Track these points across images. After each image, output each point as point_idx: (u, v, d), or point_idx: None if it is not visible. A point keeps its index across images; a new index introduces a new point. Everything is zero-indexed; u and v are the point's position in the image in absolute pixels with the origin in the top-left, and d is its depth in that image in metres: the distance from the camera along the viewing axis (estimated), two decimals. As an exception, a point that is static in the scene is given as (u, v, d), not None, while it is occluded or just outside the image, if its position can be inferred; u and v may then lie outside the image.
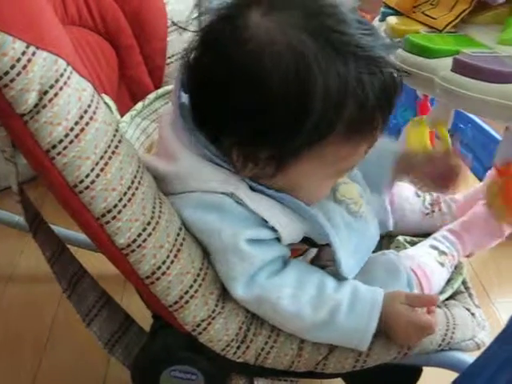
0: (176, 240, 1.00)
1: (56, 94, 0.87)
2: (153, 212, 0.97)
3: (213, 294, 1.04)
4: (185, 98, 1.03)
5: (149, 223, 0.97)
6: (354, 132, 0.94)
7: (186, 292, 1.01)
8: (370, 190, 1.19)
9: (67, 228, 1.43)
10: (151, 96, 1.29)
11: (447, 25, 1.15)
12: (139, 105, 1.27)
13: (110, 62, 1.38)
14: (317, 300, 1.03)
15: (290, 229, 1.02)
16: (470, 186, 1.49)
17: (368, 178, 1.05)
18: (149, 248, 0.97)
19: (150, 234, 0.97)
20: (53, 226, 1.16)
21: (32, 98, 0.86)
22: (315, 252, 1.21)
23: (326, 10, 0.93)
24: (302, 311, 1.03)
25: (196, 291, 1.02)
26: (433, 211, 1.40)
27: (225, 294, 1.05)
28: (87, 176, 0.91)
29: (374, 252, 1.21)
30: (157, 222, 0.98)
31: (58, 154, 0.89)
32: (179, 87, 1.03)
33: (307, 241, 1.07)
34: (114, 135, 0.95)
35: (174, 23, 1.41)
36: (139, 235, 0.96)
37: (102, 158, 0.92)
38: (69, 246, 1.19)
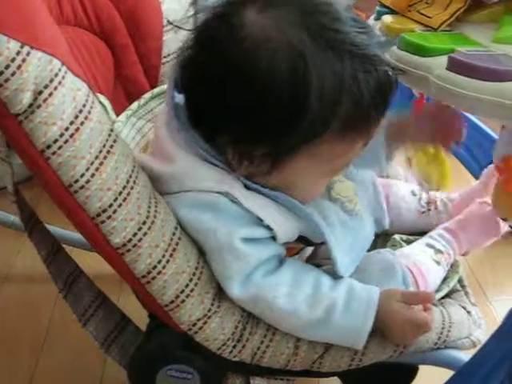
0: (171, 239, 1.00)
1: (51, 94, 0.87)
2: (148, 211, 0.97)
3: (208, 293, 1.04)
4: (179, 98, 1.03)
5: (144, 223, 0.97)
6: (350, 130, 0.94)
7: (182, 291, 1.01)
8: (370, 167, 1.20)
9: (62, 228, 1.43)
10: (147, 96, 1.30)
11: (442, 23, 1.15)
12: (134, 104, 1.27)
13: (105, 61, 1.38)
14: (313, 298, 1.04)
15: (286, 227, 1.02)
16: (466, 185, 1.49)
17: (364, 154, 1.04)
18: (144, 247, 0.97)
19: (145, 234, 0.97)
20: (48, 226, 1.16)
21: (26, 98, 0.86)
22: (311, 251, 1.21)
23: (321, 8, 0.93)
24: (298, 310, 1.03)
25: (192, 290, 1.02)
26: (429, 210, 1.40)
27: (220, 293, 1.05)
28: (82, 176, 0.91)
29: (370, 251, 1.21)
30: (152, 222, 0.98)
31: (53, 153, 0.89)
32: (172, 87, 1.03)
33: (302, 239, 1.07)
34: (109, 135, 0.95)
35: (169, 22, 1.41)
36: (134, 235, 0.96)
37: (97, 157, 0.92)
38: (64, 246, 1.19)
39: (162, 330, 1.12)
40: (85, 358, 1.60)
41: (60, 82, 0.89)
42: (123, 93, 1.42)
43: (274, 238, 1.03)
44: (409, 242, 1.32)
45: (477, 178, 1.59)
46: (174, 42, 1.41)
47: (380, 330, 1.08)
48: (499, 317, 1.64)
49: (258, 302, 1.03)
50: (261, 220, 1.00)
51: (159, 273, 0.99)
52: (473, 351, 1.08)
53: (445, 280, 1.27)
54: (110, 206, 0.94)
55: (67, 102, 0.89)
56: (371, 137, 0.99)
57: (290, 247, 1.10)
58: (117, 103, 1.27)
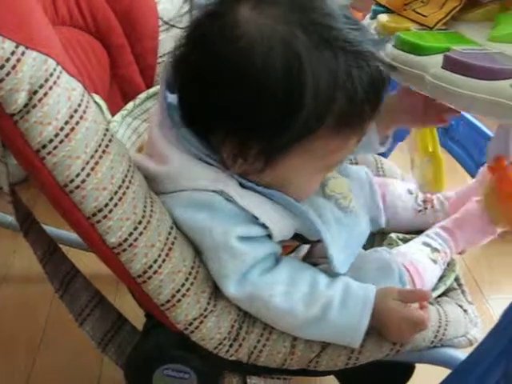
0: (167, 239, 1.00)
1: (46, 94, 0.87)
2: (144, 211, 0.97)
3: (205, 293, 1.04)
4: (171, 98, 1.03)
5: (140, 222, 0.97)
6: (344, 126, 0.94)
7: (178, 291, 1.01)
8: (364, 151, 1.20)
9: (58, 228, 1.43)
10: (142, 96, 1.29)
11: (438, 22, 1.14)
12: (130, 104, 1.27)
13: (101, 61, 1.38)
14: (309, 297, 1.04)
15: (281, 225, 1.02)
16: (462, 183, 1.49)
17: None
18: (140, 247, 0.97)
19: (141, 233, 0.97)
20: (44, 226, 1.16)
21: (22, 97, 0.85)
22: (307, 249, 1.21)
23: (313, 5, 0.93)
24: (295, 308, 1.03)
25: (188, 290, 1.02)
26: (425, 208, 1.40)
27: (217, 293, 1.05)
28: (78, 175, 0.91)
29: (366, 249, 1.21)
30: (148, 221, 0.98)
31: (49, 153, 0.89)
32: (165, 87, 1.03)
33: (298, 237, 1.07)
34: (105, 134, 0.95)
35: (164, 22, 1.41)
36: (130, 234, 0.96)
37: (92, 157, 0.92)
38: (61, 246, 1.19)
39: (159, 330, 1.12)
40: (82, 358, 1.60)
41: (55, 82, 0.89)
42: (119, 93, 1.42)
43: (269, 236, 1.03)
44: (405, 241, 1.33)
45: (473, 176, 1.60)
46: (169, 41, 1.40)
47: (377, 329, 1.08)
48: (496, 315, 1.64)
49: (255, 300, 1.03)
50: (256, 218, 1.00)
51: (155, 272, 0.99)
52: (469, 350, 1.09)
53: (441, 278, 1.28)
54: (106, 205, 0.94)
55: (62, 101, 0.89)
56: (365, 132, 1.00)
57: (286, 245, 1.10)
58: (113, 103, 1.26)
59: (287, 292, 1.03)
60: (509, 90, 0.97)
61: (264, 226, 1.01)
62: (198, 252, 1.04)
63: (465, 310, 1.21)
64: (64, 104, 0.89)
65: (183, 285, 1.01)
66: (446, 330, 1.14)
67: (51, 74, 0.88)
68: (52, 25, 0.99)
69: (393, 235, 1.34)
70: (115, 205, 0.94)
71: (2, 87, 0.84)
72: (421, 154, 1.37)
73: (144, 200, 0.98)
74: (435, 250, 1.29)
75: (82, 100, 0.92)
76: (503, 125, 1.22)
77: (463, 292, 1.27)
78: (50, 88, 0.88)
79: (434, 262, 1.27)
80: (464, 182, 1.51)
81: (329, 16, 0.93)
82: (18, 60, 0.84)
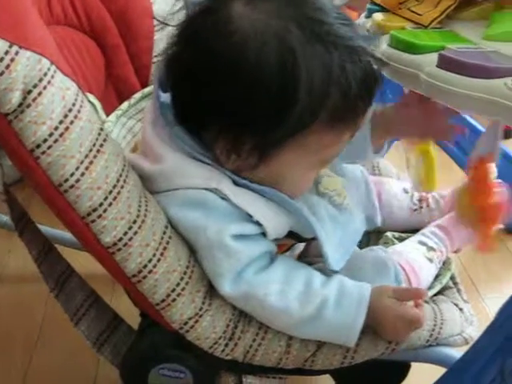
0: (162, 238, 1.00)
1: (40, 93, 0.87)
2: (138, 210, 0.97)
3: (199, 292, 1.04)
4: (164, 97, 1.03)
5: (134, 221, 0.97)
6: (338, 120, 0.94)
7: (173, 290, 1.01)
8: (357, 158, 1.20)
9: (53, 227, 1.43)
10: (137, 95, 1.29)
11: (432, 21, 1.15)
12: (125, 104, 1.27)
13: (95, 60, 1.37)
14: (304, 296, 1.04)
15: (275, 223, 1.02)
16: (457, 181, 1.49)
17: (351, 146, 1.05)
18: (135, 246, 0.97)
19: (135, 233, 0.97)
20: (40, 226, 1.16)
21: (16, 97, 0.85)
22: (302, 247, 1.21)
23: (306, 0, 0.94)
24: (290, 307, 1.03)
25: (183, 289, 1.02)
26: (421, 207, 1.40)
27: (212, 292, 1.05)
28: (72, 175, 0.91)
29: (362, 248, 1.21)
30: (142, 221, 0.98)
31: (43, 153, 0.89)
32: (158, 86, 1.03)
33: (293, 235, 1.08)
34: (99, 134, 0.95)
35: (159, 21, 1.41)
36: (125, 234, 0.96)
37: (86, 156, 0.92)
38: (56, 246, 1.19)
39: (154, 329, 1.12)
40: (78, 357, 1.60)
41: (49, 82, 0.89)
42: (114, 92, 1.42)
43: (264, 234, 1.03)
44: (401, 240, 1.33)
45: (468, 174, 1.59)
46: (164, 41, 1.39)
47: (372, 328, 1.08)
48: (492, 314, 1.64)
49: (250, 299, 1.03)
50: (250, 216, 1.00)
51: (150, 272, 0.99)
52: (465, 348, 1.09)
53: (437, 277, 1.28)
54: (101, 205, 0.94)
55: (56, 101, 0.89)
56: (358, 127, 1.00)
57: (281, 244, 1.10)
58: (108, 103, 1.26)
59: (282, 291, 1.03)
60: (503, 88, 0.97)
61: (258, 223, 1.01)
62: (192, 251, 1.04)
63: (460, 309, 1.21)
64: (58, 103, 0.89)
65: (178, 284, 1.01)
66: (441, 328, 1.14)
67: (45, 74, 0.88)
68: (46, 24, 1.00)
69: (389, 234, 1.34)
70: (110, 204, 0.94)
71: (-4, 87, 0.84)
72: (416, 153, 1.36)
73: (139, 199, 0.98)
74: (431, 248, 1.29)
75: (76, 99, 0.92)
76: (493, 124, 1.21)
77: (459, 291, 1.27)
78: (44, 87, 0.88)
79: (430, 260, 1.27)
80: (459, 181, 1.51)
81: (320, 10, 0.93)
82: (12, 60, 0.84)
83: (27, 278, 1.81)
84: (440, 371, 1.10)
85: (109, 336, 1.21)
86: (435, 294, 1.25)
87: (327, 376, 1.24)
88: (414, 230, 1.36)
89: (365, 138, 1.17)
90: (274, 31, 0.90)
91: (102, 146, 0.95)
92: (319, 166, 1.04)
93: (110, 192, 0.94)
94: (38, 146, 0.88)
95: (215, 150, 0.98)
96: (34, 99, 0.87)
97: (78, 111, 0.92)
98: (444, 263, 1.31)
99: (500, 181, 1.24)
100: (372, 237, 1.36)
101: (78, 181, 0.91)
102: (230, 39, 0.91)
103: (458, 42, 1.10)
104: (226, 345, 1.07)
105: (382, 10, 1.25)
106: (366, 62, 0.94)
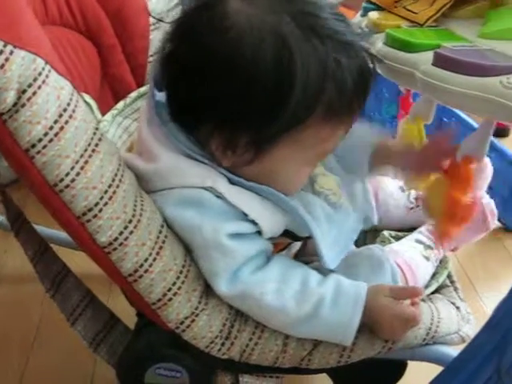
0: (158, 237, 1.00)
1: (34, 93, 0.87)
2: (134, 210, 0.97)
3: (196, 291, 1.04)
4: (159, 96, 1.03)
5: (130, 221, 0.97)
6: (332, 115, 0.95)
7: (169, 289, 1.01)
8: (352, 172, 1.20)
9: (48, 227, 1.43)
10: (133, 95, 1.29)
11: (428, 19, 1.15)
12: (120, 104, 1.27)
13: (91, 60, 1.38)
14: (301, 295, 1.03)
15: (271, 221, 1.02)
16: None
17: (346, 165, 1.05)
18: (131, 246, 0.97)
19: (131, 232, 0.97)
20: (36, 226, 1.16)
21: (10, 96, 0.85)
22: (298, 246, 1.21)
23: None
24: (287, 306, 1.03)
25: (179, 288, 1.02)
26: (417, 206, 1.40)
27: (208, 291, 1.05)
28: (67, 175, 0.91)
29: (359, 247, 1.21)
30: (138, 220, 0.97)
31: (38, 152, 0.89)
32: (153, 85, 1.03)
33: (288, 234, 1.07)
34: (94, 133, 0.95)
35: (154, 18, 1.40)
36: (121, 233, 0.96)
37: (82, 156, 0.92)
38: (52, 246, 1.19)
39: (150, 329, 1.11)
40: (75, 357, 1.59)
41: (44, 81, 0.88)
42: (110, 92, 1.42)
43: (259, 233, 1.03)
44: (398, 238, 1.33)
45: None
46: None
47: (369, 326, 1.08)
48: (489, 312, 1.64)
49: (246, 298, 1.03)
50: (245, 215, 1.00)
51: (146, 271, 0.99)
52: (462, 347, 1.09)
53: (434, 276, 1.28)
54: (96, 204, 0.94)
55: (51, 100, 0.89)
56: (353, 122, 1.00)
57: (277, 243, 1.10)
58: (103, 102, 1.26)
59: (279, 290, 1.03)
60: (499, 86, 0.97)
61: (254, 222, 1.01)
62: (188, 250, 1.04)
63: (457, 307, 1.21)
64: (53, 103, 0.89)
65: (174, 283, 1.01)
66: (438, 327, 1.13)
67: (40, 73, 0.88)
68: (42, 24, 1.00)
69: (385, 233, 1.34)
70: (105, 204, 0.94)
71: (-10, 86, 0.84)
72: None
73: (134, 199, 0.98)
74: (428, 247, 1.29)
75: (71, 99, 0.92)
76: (486, 123, 1.22)
77: (456, 289, 1.27)
78: (39, 87, 0.88)
79: (427, 259, 1.27)
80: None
81: (315, 5, 0.94)
82: (7, 59, 0.84)
83: (23, 278, 1.81)
84: (437, 370, 1.10)
85: (105, 336, 1.21)
86: (432, 293, 1.25)
87: (324, 375, 1.24)
88: (411, 229, 1.36)
89: (364, 156, 1.18)
90: (269, 27, 0.90)
91: (97, 145, 0.95)
92: (314, 162, 1.04)
93: (106, 192, 0.94)
94: (33, 146, 0.88)
95: (211, 147, 0.98)
96: (29, 99, 0.87)
97: (73, 111, 0.92)
98: (441, 261, 1.31)
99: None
100: (369, 235, 1.36)
101: (73, 180, 0.91)
102: (225, 35, 0.91)
103: (453, 41, 1.10)
104: (223, 344, 1.07)
105: (378, 8, 1.25)
106: (361, 57, 0.95)
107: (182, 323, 1.04)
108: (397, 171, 1.23)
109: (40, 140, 0.88)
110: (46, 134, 0.88)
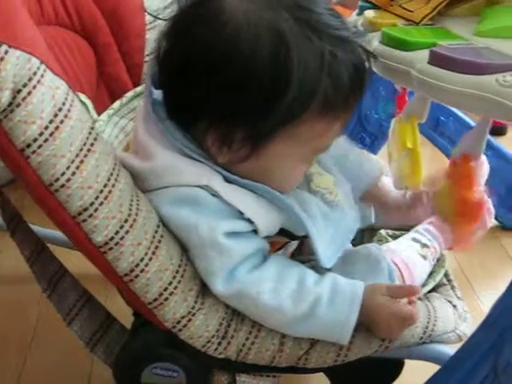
0: (154, 237, 0.99)
1: (30, 93, 0.87)
2: (130, 209, 0.97)
3: (192, 291, 1.03)
4: (156, 94, 1.03)
5: (126, 220, 0.97)
6: (328, 110, 0.95)
7: (166, 289, 1.01)
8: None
9: (44, 227, 1.43)
10: (129, 94, 1.29)
11: (424, 17, 1.15)
12: (117, 103, 1.27)
13: (87, 59, 1.37)
14: (297, 294, 1.03)
15: (267, 220, 1.02)
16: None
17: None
18: (126, 245, 0.97)
19: (127, 232, 0.97)
20: (32, 226, 1.15)
21: (5, 96, 0.85)
22: (295, 246, 1.21)
23: None
24: (283, 305, 1.03)
25: (175, 288, 1.01)
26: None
27: (204, 290, 1.05)
28: (63, 174, 0.91)
29: (356, 245, 1.21)
30: (134, 220, 0.97)
31: (33, 152, 0.89)
32: (150, 83, 1.03)
33: (284, 232, 1.08)
34: (90, 133, 0.95)
35: (151, 15, 1.40)
36: (116, 233, 0.96)
37: (77, 155, 0.92)
38: (49, 245, 1.19)
39: (147, 328, 1.11)
40: (73, 357, 1.59)
41: (39, 81, 0.88)
42: (106, 91, 1.41)
43: (255, 231, 1.03)
44: (395, 237, 1.32)
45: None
46: (156, 39, 1.41)
47: (365, 325, 1.08)
48: (487, 311, 1.64)
49: (242, 298, 1.03)
50: (241, 213, 1.00)
51: (142, 271, 0.99)
52: (459, 345, 1.09)
53: (431, 274, 1.27)
54: (92, 204, 0.94)
55: (46, 100, 0.89)
56: (348, 118, 1.00)
57: (274, 242, 1.10)
58: (100, 102, 1.26)
59: (275, 289, 1.03)
60: (494, 84, 0.97)
61: (249, 221, 1.01)
62: (184, 249, 1.04)
63: (454, 306, 1.21)
64: (48, 103, 0.89)
65: (170, 283, 1.01)
66: (434, 325, 1.13)
67: (35, 73, 0.88)
68: (37, 24, 1.00)
69: (382, 231, 1.34)
70: (101, 203, 0.94)
71: (-15, 86, 0.84)
72: (399, 148, 1.36)
73: (130, 198, 0.98)
74: (425, 245, 1.29)
75: (66, 99, 0.92)
76: (483, 122, 1.21)
77: (453, 288, 1.27)
78: (34, 87, 0.88)
79: (424, 257, 1.26)
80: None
81: (310, 1, 0.95)
82: (2, 59, 0.84)
83: (20, 278, 1.80)
84: (434, 368, 1.10)
85: (102, 336, 1.20)
86: (429, 291, 1.24)
87: (321, 374, 1.24)
88: (408, 228, 1.36)
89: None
90: (266, 22, 0.91)
91: (92, 145, 0.95)
92: (309, 159, 1.04)
93: (101, 191, 0.94)
94: (28, 146, 0.88)
95: (207, 143, 0.98)
96: (24, 98, 0.87)
97: (68, 110, 0.92)
98: (438, 260, 1.30)
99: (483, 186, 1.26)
100: (366, 234, 1.36)
101: (68, 180, 0.91)
102: (222, 31, 0.92)
103: (449, 39, 1.10)
104: (219, 343, 1.07)
105: (374, 7, 1.25)
106: (357, 53, 0.95)
107: (178, 323, 1.04)
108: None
109: (35, 140, 0.88)
110: (41, 134, 0.88)
